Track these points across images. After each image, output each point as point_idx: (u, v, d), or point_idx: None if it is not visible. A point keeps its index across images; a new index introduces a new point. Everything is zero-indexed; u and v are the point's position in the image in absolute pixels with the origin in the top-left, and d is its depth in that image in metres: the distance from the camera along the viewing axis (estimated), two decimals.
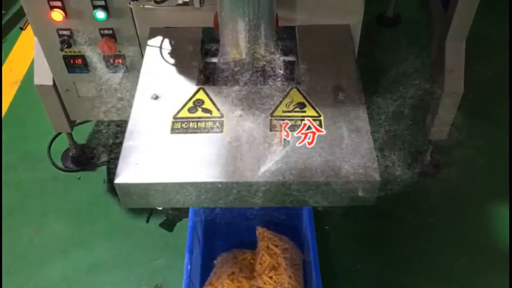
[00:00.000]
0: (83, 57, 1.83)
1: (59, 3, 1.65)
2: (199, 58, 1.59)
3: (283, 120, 1.39)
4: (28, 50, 2.89)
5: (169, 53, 1.62)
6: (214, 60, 1.60)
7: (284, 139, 1.34)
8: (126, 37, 1.75)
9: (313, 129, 1.37)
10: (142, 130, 1.38)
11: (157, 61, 1.60)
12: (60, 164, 2.38)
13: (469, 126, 2.24)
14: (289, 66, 1.56)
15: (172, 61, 1.60)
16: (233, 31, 1.41)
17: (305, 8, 1.66)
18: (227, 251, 1.92)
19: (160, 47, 1.64)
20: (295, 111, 1.41)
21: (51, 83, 1.92)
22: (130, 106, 1.46)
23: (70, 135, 2.27)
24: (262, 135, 1.35)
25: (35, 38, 1.80)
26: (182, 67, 1.57)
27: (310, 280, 1.76)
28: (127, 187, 1.29)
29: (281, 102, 1.44)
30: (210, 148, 1.33)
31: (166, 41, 1.66)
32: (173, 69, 1.57)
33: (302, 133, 1.36)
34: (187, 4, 1.57)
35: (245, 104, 1.44)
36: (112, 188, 2.22)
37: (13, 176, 2.35)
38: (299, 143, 1.33)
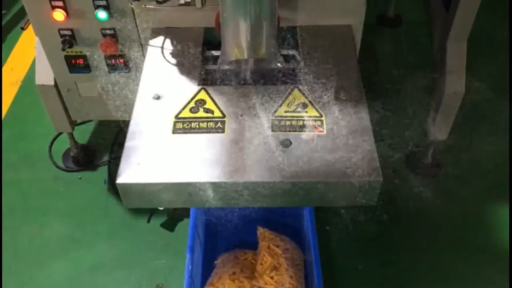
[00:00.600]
0: (84, 57, 1.83)
1: (60, 3, 1.65)
2: (201, 58, 1.60)
3: (285, 120, 1.39)
4: (29, 50, 2.90)
5: (170, 53, 1.62)
6: (216, 59, 1.60)
7: (286, 140, 1.34)
8: (127, 37, 1.75)
9: (315, 130, 1.37)
10: (144, 130, 1.39)
11: (158, 61, 1.60)
12: (61, 164, 2.38)
13: (470, 126, 2.25)
14: (291, 66, 1.56)
15: (173, 61, 1.60)
16: (234, 31, 1.41)
17: (307, 8, 1.67)
18: (228, 251, 1.92)
19: (162, 47, 1.64)
20: (297, 111, 1.41)
21: (52, 83, 1.92)
22: (132, 106, 1.46)
23: (71, 135, 2.27)
24: (264, 135, 1.35)
25: (37, 38, 1.80)
26: (184, 67, 1.57)
27: (311, 280, 1.77)
28: (129, 187, 1.29)
29: (283, 102, 1.44)
30: (212, 148, 1.33)
31: (168, 41, 1.66)
32: (175, 69, 1.57)
33: (303, 133, 1.36)
34: (189, 4, 1.57)
35: (247, 104, 1.44)
36: (113, 188, 2.24)
37: (14, 176, 2.35)
38: (301, 143, 1.34)
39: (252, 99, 1.45)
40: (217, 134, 1.37)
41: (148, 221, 2.15)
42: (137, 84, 1.52)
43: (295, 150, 1.32)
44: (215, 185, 1.28)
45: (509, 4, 2.95)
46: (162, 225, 2.14)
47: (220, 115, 1.41)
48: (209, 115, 1.42)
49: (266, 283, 1.73)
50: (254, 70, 1.50)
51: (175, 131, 1.38)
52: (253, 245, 1.91)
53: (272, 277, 1.75)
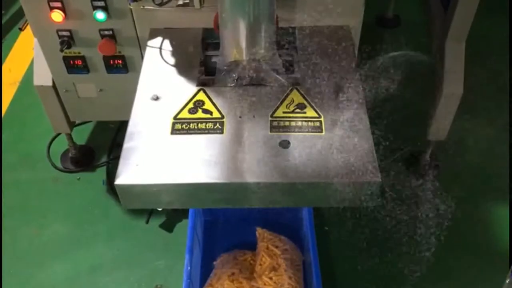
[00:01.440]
0: (83, 58, 1.82)
1: (59, 4, 1.65)
2: (199, 59, 1.60)
3: (283, 121, 1.39)
4: (27, 51, 2.90)
5: (169, 54, 1.62)
6: (214, 60, 1.60)
7: (285, 140, 1.34)
8: (126, 38, 1.75)
9: (314, 130, 1.37)
10: (142, 131, 1.38)
11: (157, 62, 1.60)
12: (59, 165, 2.38)
13: (469, 126, 2.25)
14: (289, 67, 1.56)
15: (172, 62, 1.59)
16: (233, 32, 1.41)
17: (305, 9, 1.66)
18: (227, 252, 1.92)
19: (160, 48, 1.64)
20: (295, 112, 1.41)
21: (50, 83, 1.92)
22: (131, 107, 1.46)
23: (69, 136, 2.27)
24: (262, 136, 1.35)
25: (35, 39, 1.80)
26: (182, 68, 1.57)
27: (310, 281, 1.77)
28: (127, 188, 1.29)
29: (281, 103, 1.44)
30: (211, 149, 1.33)
31: (166, 42, 1.66)
32: (173, 70, 1.57)
33: (302, 134, 1.36)
34: (187, 5, 1.57)
35: (245, 105, 1.44)
36: (112, 189, 2.23)
37: (13, 176, 2.35)
38: (299, 144, 1.34)
39: (250, 100, 1.45)
40: (216, 135, 1.36)
41: (147, 222, 2.15)
42: (136, 85, 1.52)
43: (293, 150, 1.32)
44: (213, 186, 1.28)
45: (509, 4, 2.95)
46: (161, 225, 2.14)
47: (219, 116, 1.41)
48: (208, 116, 1.41)
49: (265, 284, 1.73)
50: (252, 70, 1.50)
51: (173, 132, 1.38)
52: (252, 246, 1.91)
53: (271, 278, 1.75)
